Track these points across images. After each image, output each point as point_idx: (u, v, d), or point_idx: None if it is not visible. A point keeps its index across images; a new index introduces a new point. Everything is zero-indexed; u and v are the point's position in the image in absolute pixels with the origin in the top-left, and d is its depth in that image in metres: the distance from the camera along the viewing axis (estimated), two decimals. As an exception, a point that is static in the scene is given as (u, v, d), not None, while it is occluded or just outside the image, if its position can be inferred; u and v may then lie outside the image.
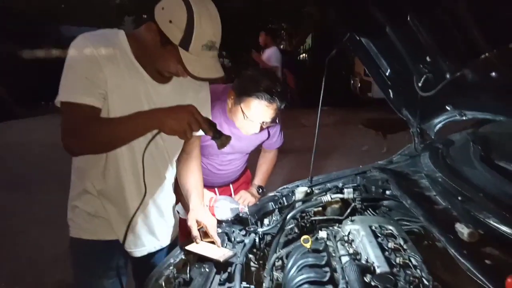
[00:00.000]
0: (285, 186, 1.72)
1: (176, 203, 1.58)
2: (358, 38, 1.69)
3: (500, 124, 1.51)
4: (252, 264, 1.25)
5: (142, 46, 1.22)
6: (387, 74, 1.75)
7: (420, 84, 1.52)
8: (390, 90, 1.79)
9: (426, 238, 1.17)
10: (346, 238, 1.16)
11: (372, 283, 0.89)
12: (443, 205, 1.29)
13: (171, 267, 1.22)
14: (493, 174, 1.20)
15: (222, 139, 1.18)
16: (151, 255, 1.47)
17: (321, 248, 1.07)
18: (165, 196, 1.47)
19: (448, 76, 1.35)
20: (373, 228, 1.15)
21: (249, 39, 8.59)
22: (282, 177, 4.01)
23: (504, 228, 1.01)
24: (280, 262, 1.14)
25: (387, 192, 1.50)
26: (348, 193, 1.42)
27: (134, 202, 1.28)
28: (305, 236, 1.09)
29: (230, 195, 2.07)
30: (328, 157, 5.29)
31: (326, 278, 0.94)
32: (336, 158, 5.31)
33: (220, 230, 1.43)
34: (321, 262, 1.00)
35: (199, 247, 1.31)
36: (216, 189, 2.04)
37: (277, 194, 1.67)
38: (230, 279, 1.13)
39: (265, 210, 1.60)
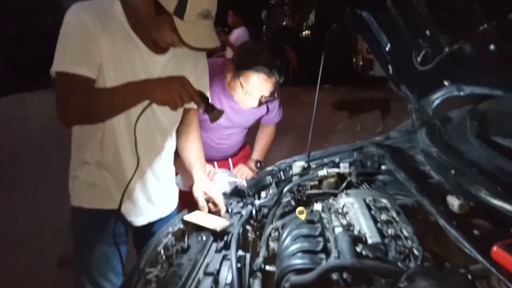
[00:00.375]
0: (283, 161, 1.73)
1: (175, 175, 1.61)
2: (359, 12, 1.67)
3: (498, 101, 1.51)
4: (249, 234, 1.27)
5: (137, 15, 1.20)
6: (387, 49, 1.73)
7: (419, 59, 1.51)
8: (389, 66, 1.77)
9: (419, 212, 1.18)
10: (340, 210, 1.17)
11: (363, 253, 0.90)
12: (436, 179, 1.30)
13: (169, 235, 1.24)
14: (487, 149, 1.21)
15: (214, 113, 1.18)
16: (150, 225, 1.51)
17: (315, 220, 1.09)
18: (163, 166, 1.49)
19: (446, 50, 1.34)
20: (367, 201, 1.16)
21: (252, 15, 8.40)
22: (282, 154, 4.01)
23: (493, 201, 1.02)
24: (276, 233, 1.16)
25: (383, 167, 1.51)
26: (344, 168, 1.43)
27: (131, 171, 1.30)
28: (300, 208, 1.10)
29: (229, 169, 2.09)
30: (327, 136, 5.30)
31: (319, 248, 0.95)
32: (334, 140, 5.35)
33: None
34: (315, 233, 1.01)
35: (196, 217, 1.33)
36: (215, 163, 2.06)
37: (275, 168, 1.68)
38: (226, 247, 1.16)
39: (263, 184, 1.61)
